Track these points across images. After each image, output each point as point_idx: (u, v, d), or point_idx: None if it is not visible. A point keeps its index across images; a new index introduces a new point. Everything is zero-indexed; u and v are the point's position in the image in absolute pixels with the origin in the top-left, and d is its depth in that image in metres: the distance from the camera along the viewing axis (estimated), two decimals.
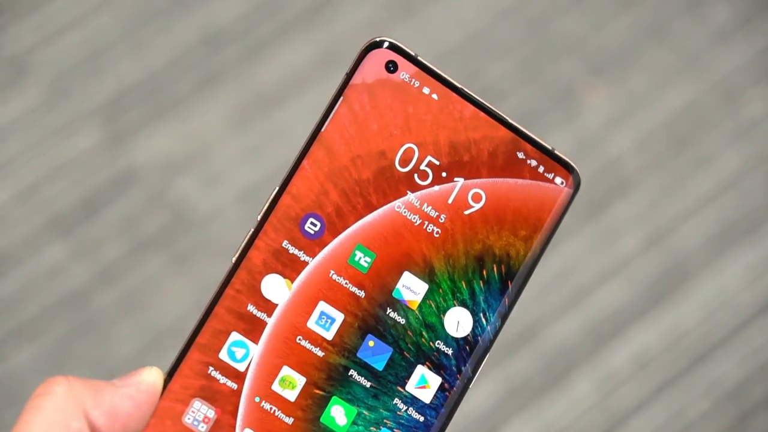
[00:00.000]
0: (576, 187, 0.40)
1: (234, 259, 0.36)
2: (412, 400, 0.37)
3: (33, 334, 0.94)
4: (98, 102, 1.03)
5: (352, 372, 0.36)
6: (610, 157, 1.01)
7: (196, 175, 1.00)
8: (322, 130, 0.36)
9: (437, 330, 0.37)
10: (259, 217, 0.36)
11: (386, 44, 0.37)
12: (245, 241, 0.36)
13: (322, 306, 0.36)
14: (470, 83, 1.04)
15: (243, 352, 0.35)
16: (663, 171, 1.00)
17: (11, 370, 0.93)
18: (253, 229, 0.36)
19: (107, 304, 0.96)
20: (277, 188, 0.36)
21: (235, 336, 0.35)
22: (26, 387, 0.93)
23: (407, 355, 0.37)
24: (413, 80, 0.37)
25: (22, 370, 0.93)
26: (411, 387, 0.37)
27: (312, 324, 0.36)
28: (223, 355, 0.35)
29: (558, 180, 0.40)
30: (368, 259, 0.37)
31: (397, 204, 0.37)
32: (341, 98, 0.36)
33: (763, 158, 1.01)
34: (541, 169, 0.40)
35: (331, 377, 0.36)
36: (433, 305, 0.37)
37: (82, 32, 1.05)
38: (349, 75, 0.37)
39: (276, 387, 0.35)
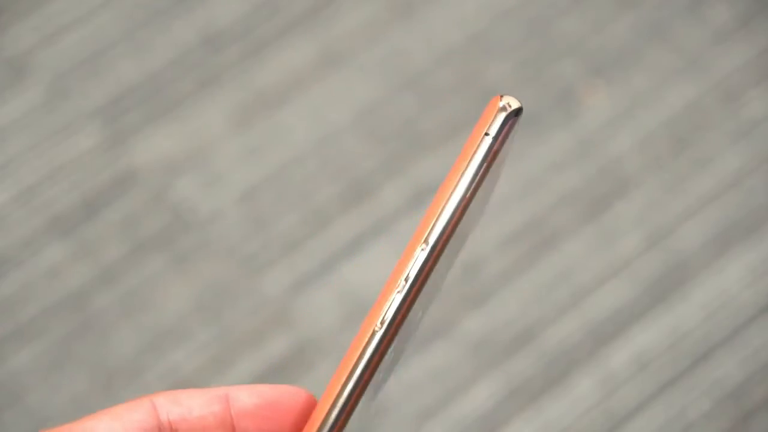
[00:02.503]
0: None
1: (388, 324, 0.33)
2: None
3: (33, 334, 0.94)
4: (98, 102, 1.03)
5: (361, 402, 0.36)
6: (610, 157, 1.01)
7: (196, 175, 1.00)
8: (468, 196, 0.35)
9: None
10: (409, 280, 0.34)
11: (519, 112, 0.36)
12: (404, 307, 0.34)
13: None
14: (470, 83, 1.04)
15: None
16: (663, 171, 1.00)
17: (11, 370, 0.93)
18: (405, 293, 0.34)
19: (107, 304, 0.95)
20: (429, 253, 0.34)
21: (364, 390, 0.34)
22: (26, 387, 0.93)
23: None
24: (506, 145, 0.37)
25: (21, 371, 0.93)
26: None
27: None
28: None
29: None
30: None
31: None
32: (484, 165, 0.35)
33: (763, 158, 1.01)
34: None
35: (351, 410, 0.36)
36: None
37: (82, 32, 1.05)
38: (495, 142, 0.35)
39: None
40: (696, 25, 1.05)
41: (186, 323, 0.95)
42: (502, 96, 0.36)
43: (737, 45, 1.05)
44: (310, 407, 0.35)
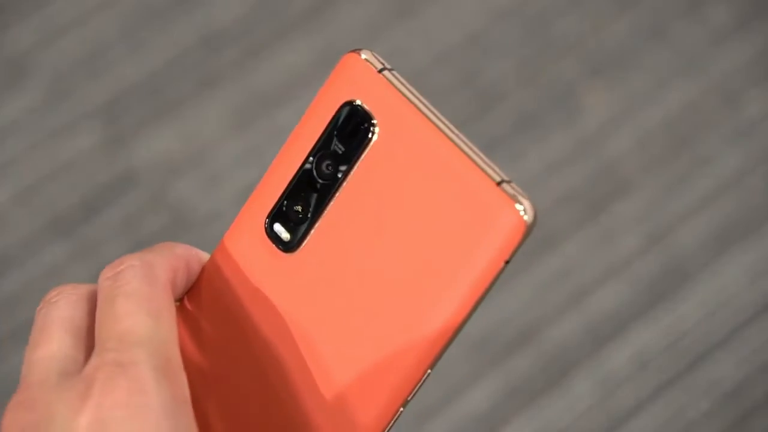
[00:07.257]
0: None
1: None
2: None
3: None
4: (98, 102, 1.03)
5: None
6: (609, 157, 1.01)
7: (196, 175, 1.00)
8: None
9: None
10: (409, 399, 0.37)
11: None
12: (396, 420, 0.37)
13: None
14: (469, 84, 1.04)
15: None
16: (663, 171, 1.00)
17: (11, 370, 0.93)
18: (402, 409, 0.37)
19: None
20: (430, 372, 0.36)
21: None
22: None
23: None
24: None
25: None
26: None
27: None
28: None
29: None
30: None
31: None
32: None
33: (762, 158, 1.01)
34: None
35: None
36: None
37: (82, 32, 1.05)
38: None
39: None
40: (695, 25, 1.05)
41: None
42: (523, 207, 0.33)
43: (736, 45, 1.05)
44: None
